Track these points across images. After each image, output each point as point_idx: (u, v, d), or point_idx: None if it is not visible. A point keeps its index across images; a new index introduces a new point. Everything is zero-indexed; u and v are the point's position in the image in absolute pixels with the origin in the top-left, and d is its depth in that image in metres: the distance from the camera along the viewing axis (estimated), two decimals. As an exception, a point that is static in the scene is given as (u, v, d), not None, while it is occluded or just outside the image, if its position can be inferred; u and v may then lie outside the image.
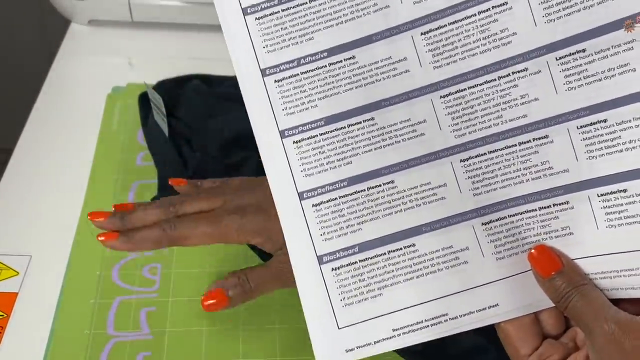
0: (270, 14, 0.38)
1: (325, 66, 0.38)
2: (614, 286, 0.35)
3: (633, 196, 0.35)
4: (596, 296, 0.35)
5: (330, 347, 0.37)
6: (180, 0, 0.78)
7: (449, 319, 0.37)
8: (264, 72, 0.38)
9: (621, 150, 0.35)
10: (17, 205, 0.61)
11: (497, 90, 0.37)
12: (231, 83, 0.71)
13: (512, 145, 0.37)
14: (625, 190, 0.35)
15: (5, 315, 0.52)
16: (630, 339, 0.32)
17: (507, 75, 0.36)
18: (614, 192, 0.35)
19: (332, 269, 0.37)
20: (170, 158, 0.63)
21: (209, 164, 0.62)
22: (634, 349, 0.32)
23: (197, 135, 0.65)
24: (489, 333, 0.52)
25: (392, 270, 0.37)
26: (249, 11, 0.38)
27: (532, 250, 0.36)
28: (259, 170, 0.61)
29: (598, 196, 0.36)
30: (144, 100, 0.69)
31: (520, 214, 0.37)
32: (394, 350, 0.52)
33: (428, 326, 0.37)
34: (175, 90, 0.69)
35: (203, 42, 0.80)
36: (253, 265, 0.57)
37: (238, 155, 0.63)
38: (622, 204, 0.35)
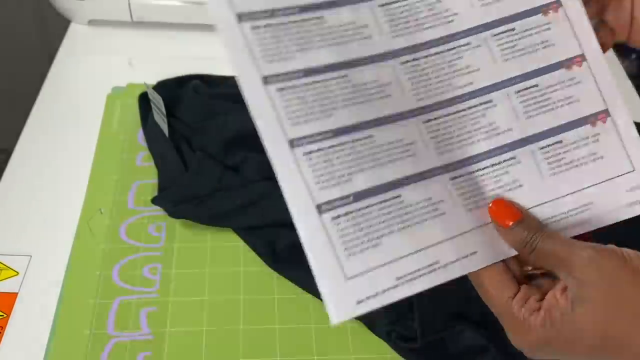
0: None
1: (297, 21, 0.39)
2: (564, 227, 0.41)
3: (567, 145, 0.42)
4: (560, 235, 0.38)
5: (341, 300, 0.37)
6: (180, 0, 0.78)
7: (440, 266, 0.39)
8: (240, 18, 0.39)
9: (552, 109, 0.42)
10: (17, 205, 0.61)
11: (445, 61, 0.42)
12: (231, 83, 0.71)
13: (463, 110, 0.41)
14: (561, 142, 0.42)
15: (5, 315, 0.52)
16: (609, 259, 0.35)
17: (453, 49, 0.42)
18: (552, 144, 0.42)
19: (332, 218, 0.38)
20: (170, 158, 0.63)
21: (209, 164, 0.62)
22: (614, 269, 0.35)
23: (197, 135, 0.65)
24: (489, 333, 0.52)
25: (386, 220, 0.39)
26: None
27: (490, 204, 0.40)
28: (259, 170, 0.61)
29: (539, 149, 0.42)
30: (144, 100, 0.69)
31: (477, 171, 0.41)
32: (394, 350, 0.52)
33: (425, 274, 0.39)
34: (175, 90, 0.69)
35: (203, 42, 0.80)
36: (250, 267, 0.58)
37: (238, 155, 0.63)
38: (559, 153, 0.41)
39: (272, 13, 0.39)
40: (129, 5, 0.77)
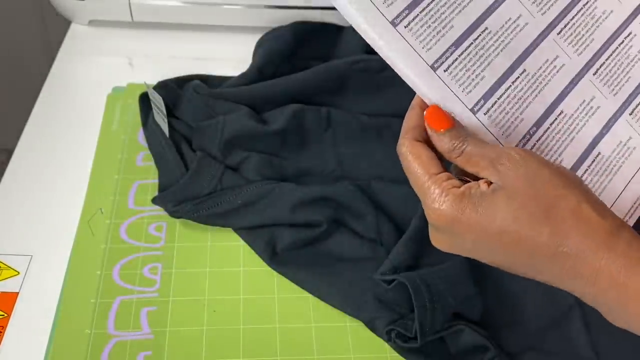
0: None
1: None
2: None
3: None
4: (486, 142, 0.40)
5: None
6: (180, 0, 0.78)
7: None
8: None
9: None
10: (17, 205, 0.61)
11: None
12: (231, 83, 0.71)
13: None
14: None
15: (5, 315, 0.52)
16: (534, 157, 0.38)
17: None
18: None
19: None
20: (171, 158, 0.63)
21: (209, 163, 0.62)
22: (538, 166, 0.38)
23: (197, 135, 0.65)
24: (489, 333, 0.52)
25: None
26: None
27: (425, 112, 0.41)
28: (259, 170, 0.61)
29: None
30: (144, 100, 0.69)
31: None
32: (394, 350, 0.52)
33: None
34: (175, 90, 0.69)
35: (203, 42, 0.81)
36: (250, 267, 0.58)
37: (238, 155, 0.63)
38: None
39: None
40: (129, 5, 0.77)
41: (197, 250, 0.58)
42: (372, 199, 0.60)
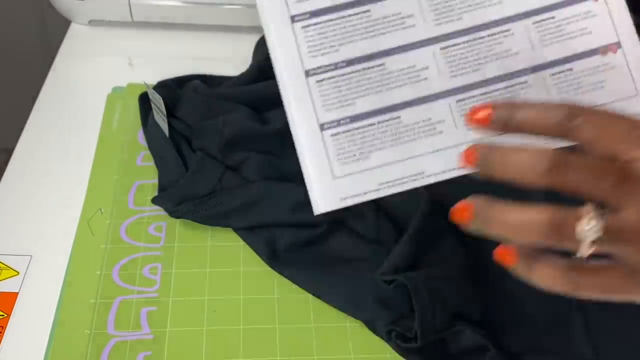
0: None
1: (344, 17, 0.43)
2: None
3: (577, 72, 0.44)
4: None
5: (327, 195, 0.42)
6: (180, 0, 0.78)
7: (425, 176, 0.43)
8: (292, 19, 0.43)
9: (565, 39, 0.44)
10: (17, 205, 0.61)
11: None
12: (231, 83, 0.71)
13: (481, 37, 0.44)
14: (571, 69, 0.44)
15: (5, 315, 0.52)
16: None
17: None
18: (563, 72, 0.44)
19: (331, 135, 0.43)
20: (170, 158, 0.63)
21: (209, 163, 0.62)
22: None
23: (197, 135, 0.65)
24: (489, 333, 0.52)
25: (381, 137, 0.43)
26: None
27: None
28: (259, 170, 0.61)
29: (550, 75, 0.44)
30: (144, 100, 0.69)
31: (487, 93, 0.43)
32: (394, 350, 0.52)
33: (407, 182, 0.43)
34: (175, 90, 0.69)
35: (203, 42, 0.81)
36: (250, 268, 0.58)
37: (238, 156, 0.63)
38: (568, 79, 0.44)
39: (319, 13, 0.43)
40: (129, 5, 0.77)
41: (197, 250, 0.58)
42: (373, 199, 0.60)
